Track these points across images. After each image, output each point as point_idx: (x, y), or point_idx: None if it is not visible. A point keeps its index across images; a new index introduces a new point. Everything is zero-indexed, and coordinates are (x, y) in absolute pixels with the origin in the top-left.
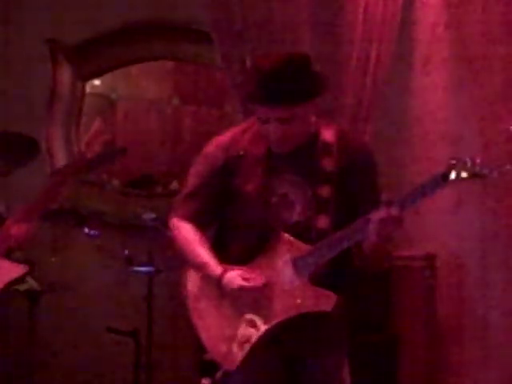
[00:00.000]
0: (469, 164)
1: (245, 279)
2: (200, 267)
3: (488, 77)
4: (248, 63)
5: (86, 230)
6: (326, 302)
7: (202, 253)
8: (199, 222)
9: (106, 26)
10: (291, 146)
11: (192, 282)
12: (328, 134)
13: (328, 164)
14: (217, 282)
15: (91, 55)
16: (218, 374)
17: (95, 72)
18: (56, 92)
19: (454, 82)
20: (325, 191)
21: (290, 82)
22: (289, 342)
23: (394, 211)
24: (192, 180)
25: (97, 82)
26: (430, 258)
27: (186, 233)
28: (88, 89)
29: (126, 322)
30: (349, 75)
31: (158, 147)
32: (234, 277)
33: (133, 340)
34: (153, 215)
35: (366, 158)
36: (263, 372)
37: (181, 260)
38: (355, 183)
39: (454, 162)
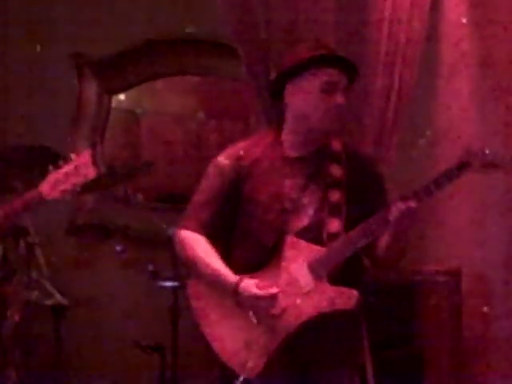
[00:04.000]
0: (480, 154)
1: (260, 287)
2: (211, 276)
3: None
4: (273, 75)
5: (116, 247)
6: (350, 299)
7: (214, 262)
8: (209, 232)
9: (131, 41)
10: (335, 125)
11: (198, 293)
12: (336, 144)
13: (337, 171)
14: (232, 291)
15: (117, 70)
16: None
17: (121, 87)
18: (82, 106)
19: (479, 93)
20: (335, 196)
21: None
22: (302, 351)
23: (412, 203)
24: (202, 191)
25: (122, 96)
26: (455, 273)
27: (196, 243)
28: (113, 103)
29: (152, 336)
30: (376, 78)
31: (183, 161)
32: (250, 285)
33: (158, 355)
34: None
35: (374, 168)
36: (281, 380)
37: (187, 272)
38: (365, 192)
39: (465, 154)
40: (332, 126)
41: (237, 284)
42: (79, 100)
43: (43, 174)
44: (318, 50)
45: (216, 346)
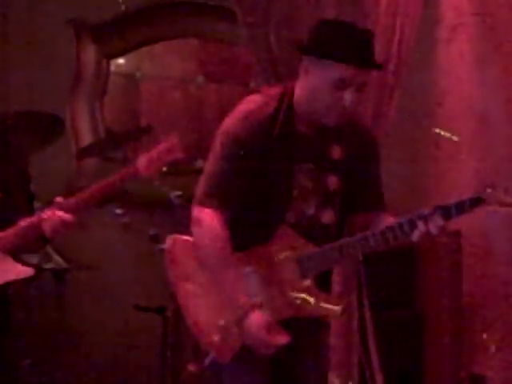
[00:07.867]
0: (502, 195)
1: (268, 331)
2: (220, 282)
3: None
4: (272, 40)
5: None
6: (333, 312)
7: (230, 271)
8: (228, 210)
9: (130, 5)
10: (339, 121)
11: (185, 260)
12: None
13: (337, 152)
14: (239, 314)
15: (115, 34)
16: (207, 361)
17: (119, 51)
18: (80, 71)
19: (480, 56)
20: (333, 182)
21: (372, 46)
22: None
23: (415, 237)
24: (219, 164)
25: (121, 60)
26: (456, 235)
27: (217, 238)
28: (112, 68)
29: (152, 300)
30: (374, 42)
31: (183, 125)
32: (261, 325)
33: (160, 317)
34: (178, 193)
35: (373, 146)
36: (254, 364)
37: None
38: (361, 172)
39: (489, 190)
40: (335, 122)
41: (246, 312)
42: (78, 65)
43: (44, 141)
44: (342, 40)
45: (191, 318)
